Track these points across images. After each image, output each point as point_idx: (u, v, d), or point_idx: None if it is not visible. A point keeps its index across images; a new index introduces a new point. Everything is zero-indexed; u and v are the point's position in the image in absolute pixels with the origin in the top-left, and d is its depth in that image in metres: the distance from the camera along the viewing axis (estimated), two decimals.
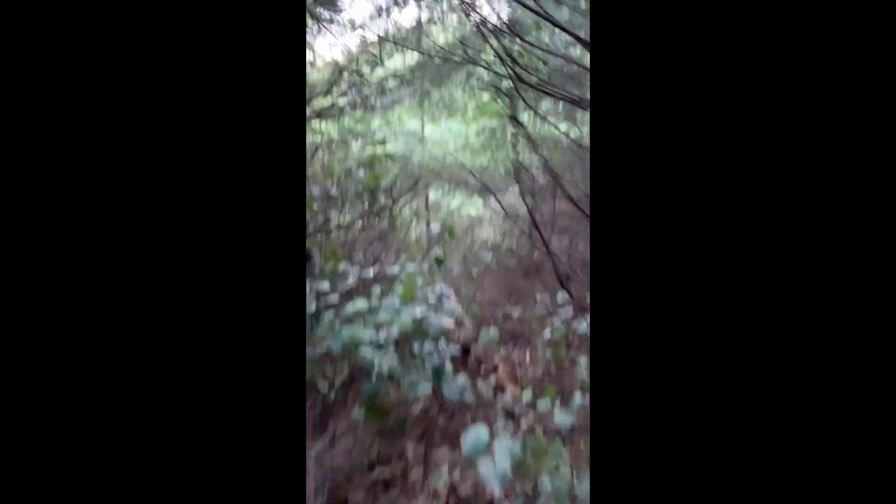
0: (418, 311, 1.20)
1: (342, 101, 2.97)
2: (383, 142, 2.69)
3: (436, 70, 3.47)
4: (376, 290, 1.67)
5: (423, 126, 3.78)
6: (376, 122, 3.58)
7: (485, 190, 5.21)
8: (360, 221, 2.92)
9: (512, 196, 5.59)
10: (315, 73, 3.43)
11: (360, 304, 1.37)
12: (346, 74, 3.05)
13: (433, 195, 4.44)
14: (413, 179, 3.55)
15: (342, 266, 1.79)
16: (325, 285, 1.80)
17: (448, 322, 1.21)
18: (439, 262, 1.22)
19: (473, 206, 5.70)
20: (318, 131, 3.10)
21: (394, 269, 1.75)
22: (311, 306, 1.33)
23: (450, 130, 4.47)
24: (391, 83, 3.28)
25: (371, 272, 1.79)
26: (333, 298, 1.44)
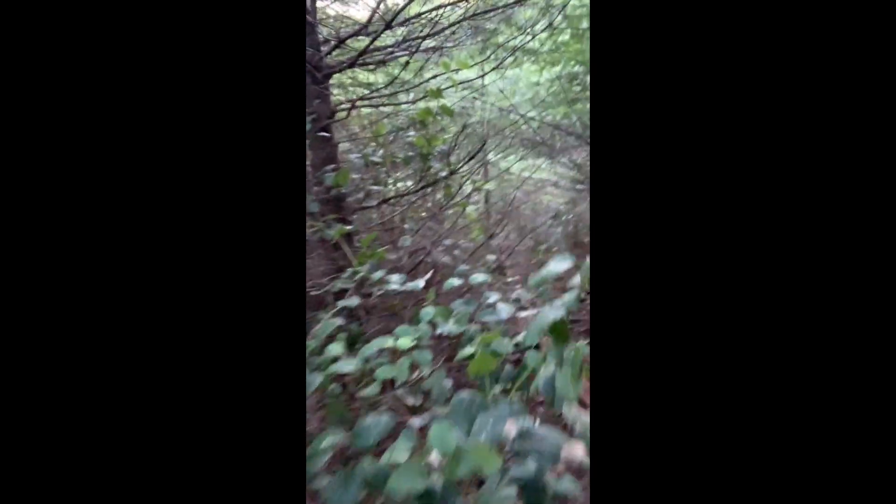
0: (513, 419, 0.59)
1: (388, 41, 2.35)
2: (438, 93, 2.07)
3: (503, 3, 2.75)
4: (426, 318, 1.13)
5: (484, 74, 3.09)
6: (430, 70, 2.94)
7: (553, 149, 4.51)
8: (408, 196, 2.36)
9: (584, 156, 4.85)
10: (356, 11, 2.82)
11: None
12: (391, 9, 2.42)
13: (493, 157, 3.78)
14: (474, 140, 2.92)
15: (379, 273, 1.24)
16: (353, 301, 1.27)
17: (577, 450, 0.62)
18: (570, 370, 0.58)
19: (539, 169, 5.01)
20: (359, 82, 2.52)
21: (453, 281, 1.19)
22: (313, 376, 0.77)
23: (518, 79, 3.75)
24: (447, 20, 2.61)
25: (421, 282, 1.24)
26: (348, 361, 0.88)
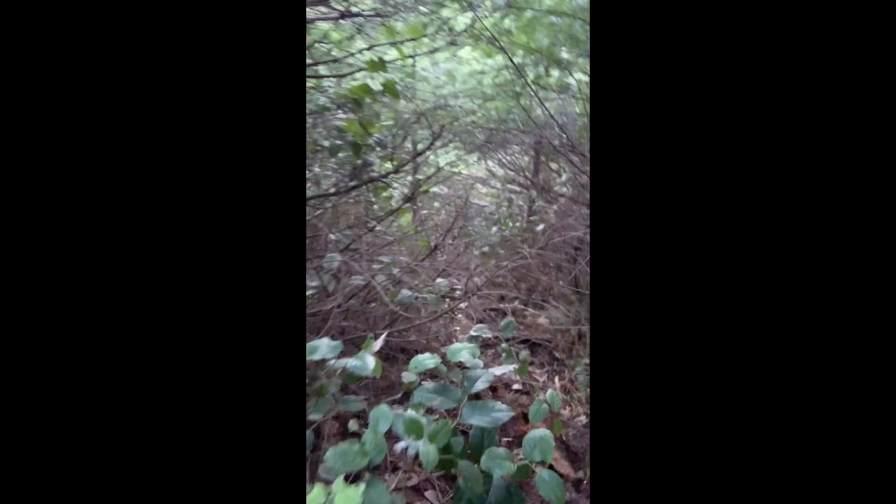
0: None
1: None
2: (383, 65, 1.59)
3: None
4: (379, 425, 0.67)
5: (434, 51, 2.63)
6: (360, 41, 2.41)
7: (487, 146, 4.20)
8: (335, 196, 1.83)
9: (520, 155, 4.59)
10: None
11: None
12: None
13: (434, 154, 3.33)
14: (413, 132, 2.44)
15: None
16: None
17: None
18: None
19: (471, 165, 4.67)
20: None
21: (426, 362, 0.74)
22: None
23: (460, 62, 3.33)
24: None
25: (370, 360, 0.77)
26: None
